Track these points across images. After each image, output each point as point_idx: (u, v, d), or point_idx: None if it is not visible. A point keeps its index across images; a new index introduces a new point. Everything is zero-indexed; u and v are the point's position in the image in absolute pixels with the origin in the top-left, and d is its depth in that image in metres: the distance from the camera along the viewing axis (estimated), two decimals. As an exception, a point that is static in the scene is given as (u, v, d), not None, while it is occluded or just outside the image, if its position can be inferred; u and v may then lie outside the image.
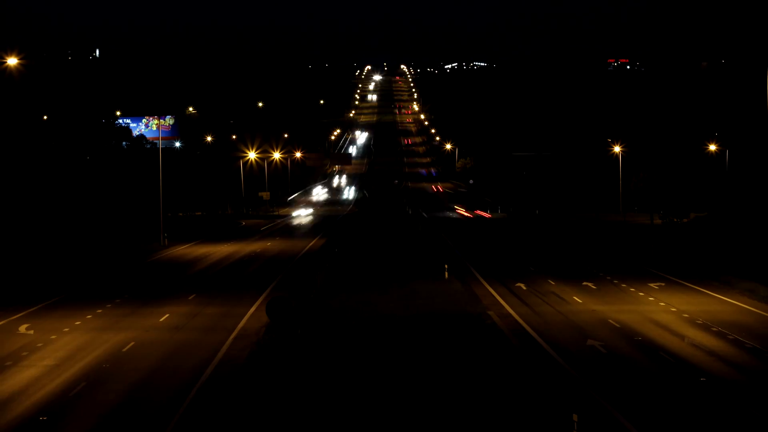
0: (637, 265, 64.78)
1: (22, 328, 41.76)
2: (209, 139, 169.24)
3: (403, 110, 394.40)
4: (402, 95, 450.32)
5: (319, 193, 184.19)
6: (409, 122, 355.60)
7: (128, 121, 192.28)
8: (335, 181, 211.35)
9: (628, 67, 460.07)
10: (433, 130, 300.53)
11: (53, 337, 39.70)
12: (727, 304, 47.38)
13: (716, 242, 75.73)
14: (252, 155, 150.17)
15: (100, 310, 46.62)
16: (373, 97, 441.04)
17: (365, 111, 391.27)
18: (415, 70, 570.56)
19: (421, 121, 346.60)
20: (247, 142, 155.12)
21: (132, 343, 38.21)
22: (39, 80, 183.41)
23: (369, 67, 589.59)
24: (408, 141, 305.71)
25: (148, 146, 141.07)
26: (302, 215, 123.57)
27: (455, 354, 35.66)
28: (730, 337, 38.54)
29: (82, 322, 43.19)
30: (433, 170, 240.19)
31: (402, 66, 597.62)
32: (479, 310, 45.99)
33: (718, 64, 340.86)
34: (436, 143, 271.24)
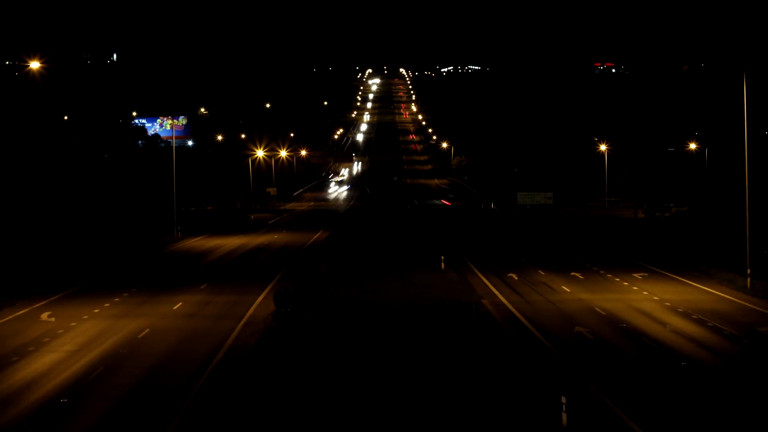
0: (622, 257, 64.77)
1: (44, 316, 41.78)
2: (220, 138, 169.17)
3: (402, 111, 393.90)
4: (401, 97, 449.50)
5: (323, 189, 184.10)
6: (407, 122, 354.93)
7: (144, 121, 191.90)
8: (338, 178, 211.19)
9: (614, 70, 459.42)
10: (430, 130, 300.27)
11: (73, 324, 39.70)
12: (707, 293, 47.39)
13: (696, 235, 75.68)
14: (260, 153, 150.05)
15: (117, 299, 46.62)
16: (373, 99, 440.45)
17: (366, 112, 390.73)
18: (413, 74, 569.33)
19: (419, 122, 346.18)
20: (255, 140, 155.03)
21: (147, 330, 38.21)
22: (60, 83, 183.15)
23: (370, 70, 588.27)
24: (407, 140, 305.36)
25: (163, 145, 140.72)
26: (306, 209, 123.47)
27: (451, 340, 35.68)
28: (710, 324, 38.56)
29: (101, 310, 43.20)
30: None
31: (401, 69, 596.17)
32: (474, 298, 45.98)
33: (698, 68, 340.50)
34: (433, 142, 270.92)
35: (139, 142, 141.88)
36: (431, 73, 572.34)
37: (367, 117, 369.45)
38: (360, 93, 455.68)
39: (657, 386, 28.39)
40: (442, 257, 60.89)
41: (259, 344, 35.07)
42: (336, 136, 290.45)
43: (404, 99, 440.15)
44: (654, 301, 44.52)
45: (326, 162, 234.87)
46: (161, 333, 37.63)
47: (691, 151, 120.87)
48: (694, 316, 40.22)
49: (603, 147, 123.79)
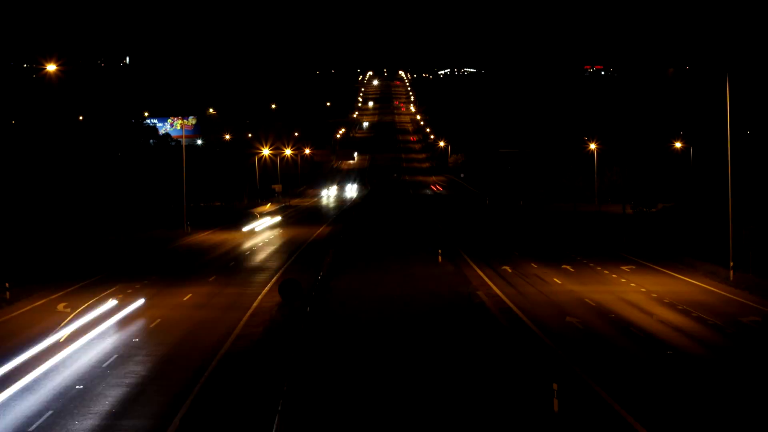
0: (611, 250, 64.77)
1: (60, 306, 41.78)
2: (227, 137, 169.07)
3: (401, 111, 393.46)
4: (400, 98, 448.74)
5: (326, 186, 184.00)
6: (406, 122, 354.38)
7: (155, 121, 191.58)
8: (340, 175, 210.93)
9: (603, 72, 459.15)
10: (428, 129, 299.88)
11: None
12: (692, 285, 47.42)
13: (681, 230, 75.61)
14: (266, 151, 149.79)
15: (130, 290, 46.59)
16: (374, 100, 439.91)
17: (367, 112, 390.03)
18: (412, 76, 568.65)
19: (418, 122, 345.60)
20: (261, 139, 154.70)
21: (159, 320, 38.21)
22: (75, 85, 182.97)
23: (371, 72, 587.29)
24: (406, 139, 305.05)
25: (173, 144, 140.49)
26: (310, 205, 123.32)
27: (447, 330, 35.70)
28: (694, 314, 38.58)
29: (114, 301, 43.13)
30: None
31: (400, 71, 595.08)
32: (469, 290, 46.00)
33: (684, 71, 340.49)
34: (431, 141, 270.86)
35: (151, 141, 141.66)
36: (429, 75, 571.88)
37: (367, 117, 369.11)
38: (361, 94, 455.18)
39: (644, 373, 28.42)
40: (440, 250, 60.89)
41: (265, 334, 35.08)
42: (338, 135, 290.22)
43: (403, 100, 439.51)
44: (641, 293, 44.54)
45: (329, 160, 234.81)
46: (172, 323, 37.63)
47: (676, 149, 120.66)
48: (680, 307, 40.24)
49: (593, 146, 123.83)
